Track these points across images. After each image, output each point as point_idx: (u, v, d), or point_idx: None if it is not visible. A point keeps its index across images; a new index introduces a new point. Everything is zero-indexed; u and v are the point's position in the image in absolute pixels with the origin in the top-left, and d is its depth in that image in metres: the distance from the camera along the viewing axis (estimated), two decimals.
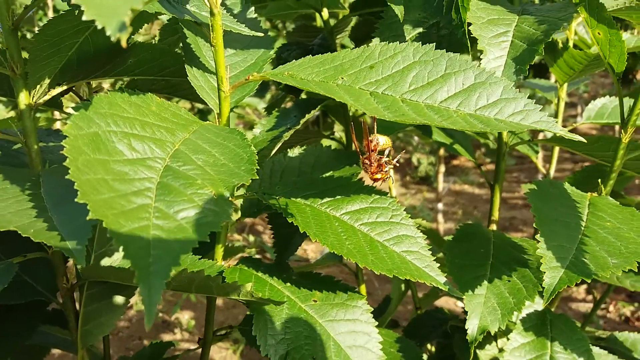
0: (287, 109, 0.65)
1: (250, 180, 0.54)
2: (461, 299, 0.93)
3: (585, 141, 0.38)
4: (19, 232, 0.30)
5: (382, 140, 0.42)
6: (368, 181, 0.49)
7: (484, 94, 0.38)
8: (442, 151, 2.61)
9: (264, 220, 2.72)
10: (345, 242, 0.45)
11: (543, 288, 0.41)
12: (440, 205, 2.61)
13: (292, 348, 0.45)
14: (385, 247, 0.46)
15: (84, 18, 0.24)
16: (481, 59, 0.46)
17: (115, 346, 1.84)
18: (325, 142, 0.76)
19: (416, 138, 3.50)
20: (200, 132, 0.38)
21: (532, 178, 3.33)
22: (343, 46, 0.83)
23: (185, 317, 1.99)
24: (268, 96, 2.59)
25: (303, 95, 0.71)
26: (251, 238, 2.43)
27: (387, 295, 0.85)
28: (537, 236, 0.42)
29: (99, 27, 0.24)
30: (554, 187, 0.50)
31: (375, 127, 0.42)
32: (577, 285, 2.08)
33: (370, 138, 0.42)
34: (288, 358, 0.45)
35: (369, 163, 0.42)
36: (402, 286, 0.83)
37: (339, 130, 0.84)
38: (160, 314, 1.99)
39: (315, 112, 0.58)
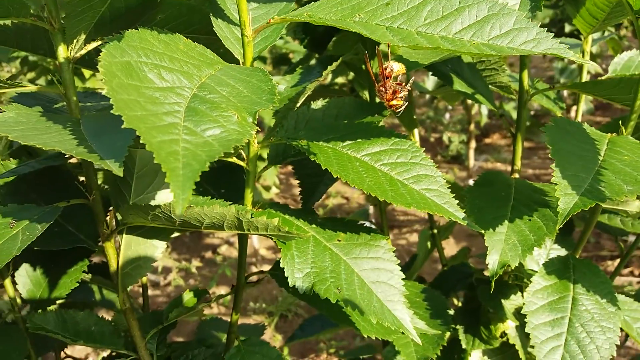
0: (311, 65, 0.67)
1: (277, 129, 0.57)
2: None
3: (601, 70, 0.39)
4: (63, 150, 0.33)
5: (397, 67, 0.43)
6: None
7: (496, 24, 0.39)
8: (472, 127, 2.59)
9: (295, 199, 2.75)
10: (366, 179, 0.47)
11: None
12: (471, 182, 2.59)
13: (318, 280, 0.48)
14: (405, 184, 0.48)
15: None
16: None
17: None
18: None
19: (447, 116, 3.47)
20: (225, 70, 0.41)
21: None
22: None
23: (221, 291, 2.04)
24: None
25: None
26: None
27: (414, 254, 0.87)
28: (552, 166, 0.43)
29: None
30: (572, 126, 0.50)
31: (390, 55, 0.43)
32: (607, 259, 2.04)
33: (385, 65, 0.43)
34: (314, 288, 0.47)
35: (384, 90, 0.44)
36: (429, 244, 0.84)
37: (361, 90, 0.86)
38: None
39: (336, 64, 0.59)
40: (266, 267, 2.19)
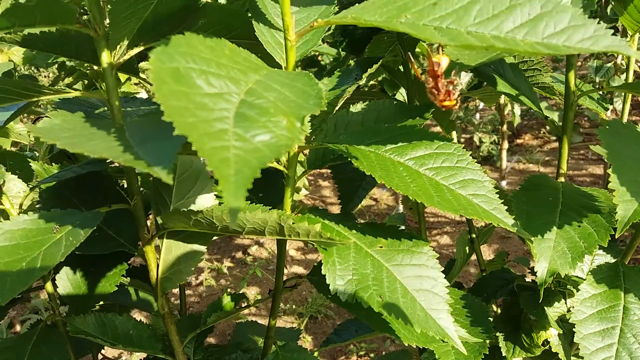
0: (349, 68, 0.66)
1: (316, 133, 0.56)
2: (527, 265, 0.92)
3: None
4: (110, 158, 0.33)
5: (445, 61, 0.42)
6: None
7: (551, 22, 0.38)
8: (505, 127, 2.54)
9: (324, 201, 2.75)
10: (411, 185, 0.46)
11: (614, 229, 0.40)
12: (504, 184, 2.55)
13: (360, 288, 0.47)
14: (451, 190, 0.47)
15: None
16: None
17: None
18: None
19: (477, 116, 3.42)
20: (270, 75, 0.40)
21: (600, 155, 3.18)
22: None
23: (252, 292, 2.05)
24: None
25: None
26: None
27: (451, 258, 0.85)
28: (609, 171, 0.41)
29: None
30: (625, 128, 0.48)
31: (441, 52, 0.42)
32: None
33: (434, 64, 0.42)
34: (356, 296, 0.46)
35: (436, 91, 0.42)
36: (467, 248, 0.82)
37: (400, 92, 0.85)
38: (228, 289, 2.06)
39: (376, 67, 0.59)
40: (296, 268, 2.19)
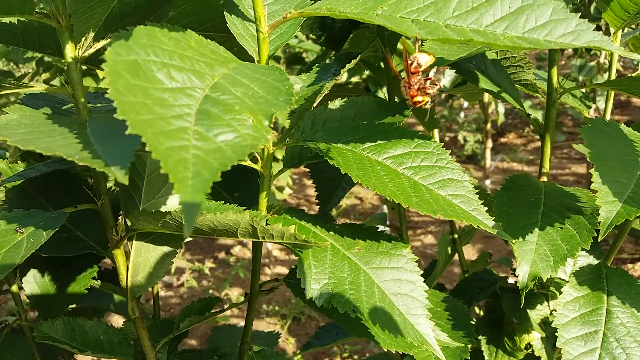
0: (327, 64, 0.64)
1: (293, 130, 0.54)
2: (510, 266, 0.91)
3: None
4: (65, 156, 0.31)
5: (425, 59, 0.40)
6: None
7: (532, 16, 0.36)
8: (489, 126, 2.54)
9: (308, 200, 2.73)
10: (388, 185, 0.44)
11: (597, 231, 0.39)
12: (488, 182, 2.55)
13: (336, 292, 0.45)
14: (430, 190, 0.45)
15: None
16: None
17: None
18: None
19: (462, 115, 3.42)
20: (239, 69, 0.38)
21: (582, 155, 3.20)
22: None
23: (234, 293, 2.03)
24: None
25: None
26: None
27: (434, 259, 0.84)
28: (592, 170, 0.39)
29: None
30: (608, 126, 0.47)
31: (417, 48, 0.40)
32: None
33: (410, 59, 0.40)
34: (332, 301, 0.45)
35: (408, 86, 0.40)
36: (449, 249, 0.81)
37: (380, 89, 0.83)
38: (210, 291, 2.04)
39: (355, 62, 0.57)
40: (279, 269, 2.16)
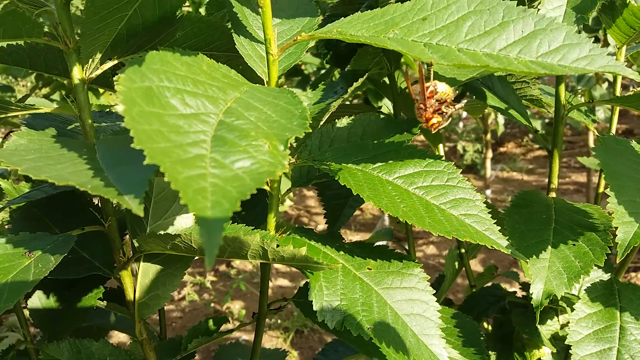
0: (333, 81, 0.64)
1: (300, 149, 0.54)
2: (517, 279, 0.90)
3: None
4: (77, 186, 0.30)
5: (442, 88, 0.40)
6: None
7: (545, 40, 0.36)
8: (488, 136, 2.55)
9: (308, 211, 2.72)
10: (400, 205, 0.44)
11: (612, 248, 0.39)
12: (488, 192, 2.55)
13: (349, 314, 0.45)
14: (442, 210, 0.45)
15: None
16: (539, 9, 0.44)
17: (168, 336, 1.88)
18: None
19: (461, 125, 3.43)
20: (251, 92, 0.38)
21: (582, 163, 3.20)
22: None
23: (236, 306, 2.01)
24: (308, 89, 2.58)
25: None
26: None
27: (440, 274, 0.83)
28: (607, 191, 0.39)
29: None
30: (619, 144, 0.47)
31: (432, 74, 0.40)
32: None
33: (427, 84, 0.40)
34: (345, 324, 0.44)
35: (423, 108, 0.40)
36: (456, 264, 0.80)
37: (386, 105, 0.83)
38: (212, 304, 2.02)
39: (362, 80, 0.57)
40: (282, 281, 2.15)
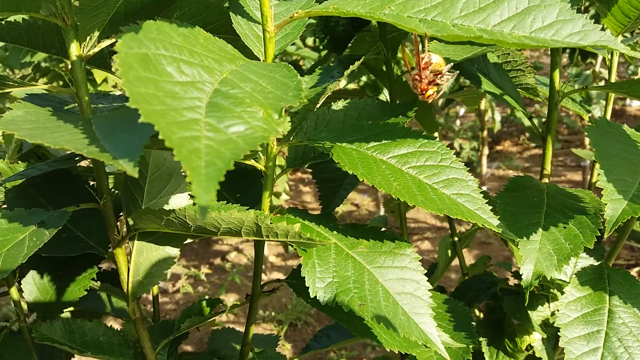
0: (330, 66, 0.64)
1: (296, 131, 0.54)
2: (509, 269, 0.91)
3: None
4: (72, 149, 0.31)
5: (435, 59, 0.40)
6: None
7: (538, 16, 0.36)
8: (485, 134, 2.56)
9: (305, 206, 2.72)
10: (393, 183, 0.44)
11: (600, 231, 0.39)
12: (484, 189, 2.56)
13: (340, 291, 0.45)
14: (435, 189, 0.45)
15: None
16: None
17: None
18: None
19: (458, 122, 3.43)
20: (247, 66, 0.38)
21: (579, 162, 3.22)
22: None
23: (230, 299, 2.02)
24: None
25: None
26: None
27: (433, 262, 0.84)
28: (597, 168, 0.40)
29: None
30: (612, 127, 0.47)
31: (427, 46, 0.41)
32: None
33: (422, 55, 0.40)
34: (337, 299, 0.44)
35: (418, 79, 0.41)
36: (449, 252, 0.81)
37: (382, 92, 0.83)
38: (206, 297, 2.03)
39: (358, 64, 0.57)
40: (276, 275, 2.15)
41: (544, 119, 3.47)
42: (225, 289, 2.06)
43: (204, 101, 0.31)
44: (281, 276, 2.14)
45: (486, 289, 0.72)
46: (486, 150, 2.39)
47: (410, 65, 0.42)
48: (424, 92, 0.41)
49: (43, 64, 2.07)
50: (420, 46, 0.40)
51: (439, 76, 0.40)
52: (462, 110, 3.43)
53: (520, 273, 0.47)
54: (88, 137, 0.36)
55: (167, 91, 0.30)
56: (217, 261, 2.27)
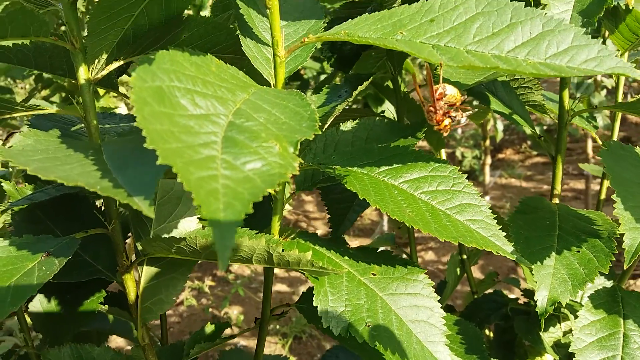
0: (337, 85, 0.64)
1: (305, 153, 0.54)
2: (517, 285, 0.90)
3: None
4: (85, 186, 0.30)
5: (451, 91, 0.40)
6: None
7: (553, 41, 0.36)
8: (487, 142, 2.55)
9: (307, 216, 2.71)
10: (407, 210, 0.44)
11: (615, 257, 0.38)
12: (487, 199, 2.55)
13: (354, 320, 0.44)
14: (448, 215, 0.45)
15: None
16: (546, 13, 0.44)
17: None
18: None
19: (459, 131, 3.43)
20: (259, 94, 0.38)
21: (581, 170, 3.21)
22: None
23: (234, 312, 2.00)
24: (308, 93, 2.59)
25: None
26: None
27: (442, 280, 0.83)
28: (614, 196, 0.39)
29: None
30: (624, 150, 0.47)
31: (442, 77, 0.40)
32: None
33: (436, 87, 0.40)
34: (350, 330, 0.44)
35: (433, 110, 0.40)
36: (458, 270, 0.80)
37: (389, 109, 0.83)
38: (210, 309, 2.01)
39: (367, 84, 0.56)
40: (280, 286, 2.14)
41: (545, 127, 3.46)
42: (229, 301, 2.05)
43: (220, 135, 0.30)
44: (285, 287, 2.13)
45: (496, 309, 0.71)
46: (489, 160, 2.39)
47: (422, 97, 0.42)
48: (439, 123, 0.40)
49: (45, 75, 2.06)
50: (434, 79, 0.40)
51: (454, 107, 0.40)
52: (464, 119, 3.42)
53: (535, 299, 0.47)
54: (100, 168, 0.35)
55: (182, 126, 0.29)
56: (220, 273, 2.26)
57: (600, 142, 0.76)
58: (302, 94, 0.38)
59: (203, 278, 2.21)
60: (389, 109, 1.04)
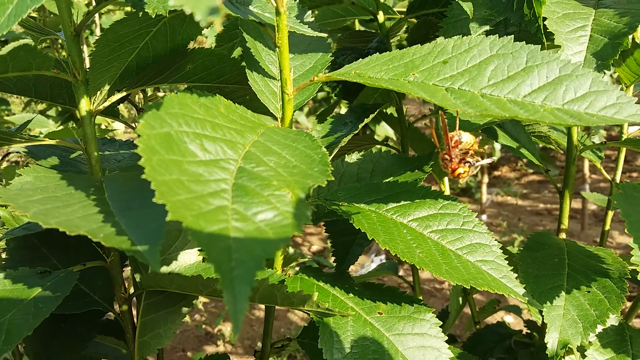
0: (341, 115, 0.63)
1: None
2: (519, 314, 0.89)
3: None
4: (89, 236, 0.29)
5: (466, 138, 0.39)
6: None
7: (571, 86, 0.35)
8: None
9: (302, 231, 2.69)
10: (416, 250, 0.43)
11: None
12: (484, 217, 2.54)
13: None
14: (459, 256, 0.44)
15: (170, 3, 0.22)
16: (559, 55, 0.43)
17: None
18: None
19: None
20: (268, 135, 0.37)
21: (578, 188, 3.22)
22: (400, 48, 0.81)
23: (228, 329, 1.98)
24: (306, 109, 2.58)
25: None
26: (290, 250, 2.42)
27: (444, 309, 0.82)
28: (631, 242, 0.38)
29: (187, 12, 0.22)
30: (638, 192, 0.46)
31: (458, 123, 0.39)
32: None
33: (451, 134, 0.39)
34: None
35: (448, 158, 0.39)
36: (460, 299, 0.79)
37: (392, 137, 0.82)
38: (204, 326, 1.99)
39: (372, 116, 0.56)
40: (291, 250, 2.11)
41: (540, 145, 3.48)
42: (223, 318, 2.02)
43: (230, 183, 0.29)
44: (281, 309, 2.10)
45: (500, 341, 0.70)
46: (486, 179, 2.38)
47: (438, 144, 0.41)
48: (454, 171, 0.39)
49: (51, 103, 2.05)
50: (450, 125, 0.39)
51: (469, 155, 0.39)
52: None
53: (545, 342, 0.46)
54: (102, 211, 0.34)
55: (191, 174, 0.28)
56: None
57: (606, 175, 0.76)
58: (312, 135, 0.37)
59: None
60: (384, 127, 1.03)
